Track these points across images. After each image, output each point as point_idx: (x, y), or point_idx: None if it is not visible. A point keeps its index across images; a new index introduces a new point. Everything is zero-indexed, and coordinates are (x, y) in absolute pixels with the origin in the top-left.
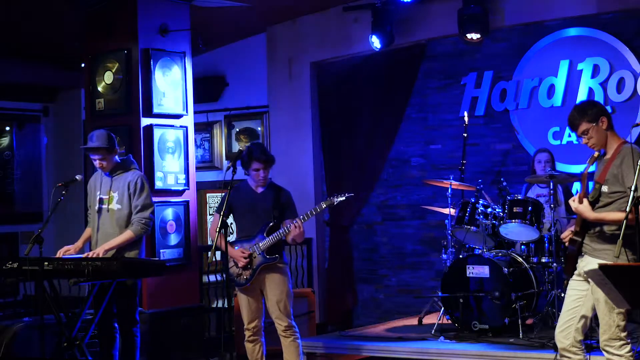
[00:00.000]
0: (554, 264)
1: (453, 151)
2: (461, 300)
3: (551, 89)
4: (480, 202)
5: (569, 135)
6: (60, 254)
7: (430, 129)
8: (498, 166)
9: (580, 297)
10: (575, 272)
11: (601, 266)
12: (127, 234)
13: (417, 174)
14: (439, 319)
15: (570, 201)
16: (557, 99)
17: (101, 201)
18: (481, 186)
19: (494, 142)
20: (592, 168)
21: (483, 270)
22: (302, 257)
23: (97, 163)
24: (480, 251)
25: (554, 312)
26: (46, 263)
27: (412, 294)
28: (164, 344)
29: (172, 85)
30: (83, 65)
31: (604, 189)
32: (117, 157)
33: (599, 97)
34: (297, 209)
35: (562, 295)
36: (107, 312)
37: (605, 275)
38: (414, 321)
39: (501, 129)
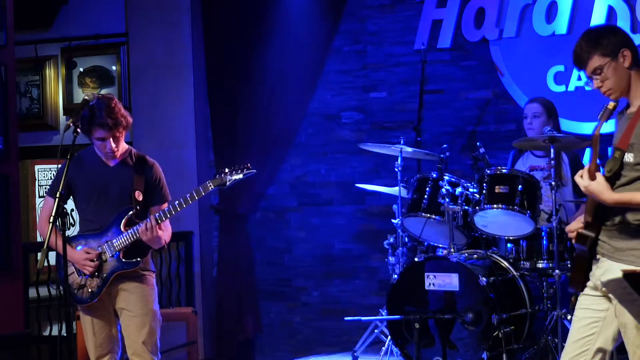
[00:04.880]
0: (557, 271)
1: (404, 102)
2: (417, 326)
3: (552, 9)
4: (446, 178)
5: (579, 78)
6: None
7: (371, 68)
8: (472, 124)
9: (596, 320)
10: (588, 283)
11: (626, 274)
12: None
13: (350, 136)
14: (384, 354)
15: (577, 177)
16: (561, 23)
17: None
18: (446, 154)
19: (467, 88)
20: (610, 128)
21: (450, 281)
22: (178, 260)
23: None
24: (445, 252)
25: (557, 343)
26: None
27: (342, 316)
28: None
29: None
30: None
31: (628, 158)
32: None
33: (623, 22)
34: (170, 189)
35: (569, 317)
36: None
37: (633, 287)
38: (346, 357)
39: (477, 68)
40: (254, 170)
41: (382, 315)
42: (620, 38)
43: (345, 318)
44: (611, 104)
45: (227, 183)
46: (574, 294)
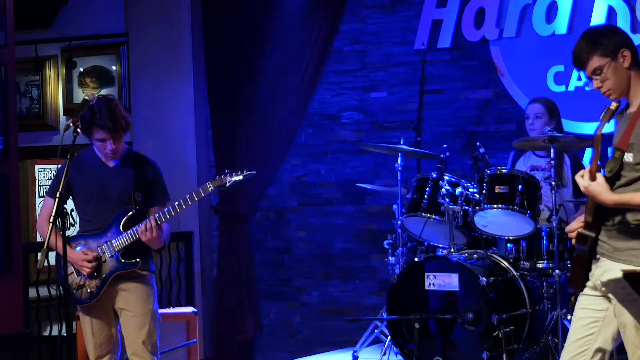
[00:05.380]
0: (557, 271)
1: (404, 102)
2: (417, 326)
3: (552, 9)
4: (446, 178)
5: (579, 78)
6: None
7: (371, 68)
8: (472, 124)
9: (596, 320)
10: (588, 283)
11: (626, 274)
12: None
13: (350, 136)
14: (384, 354)
15: (578, 177)
16: (561, 23)
17: None
18: (446, 154)
19: (467, 88)
20: (610, 128)
21: (450, 281)
22: (178, 260)
23: None
24: (445, 252)
25: (557, 343)
26: None
27: (342, 316)
28: None
29: None
30: None
31: (628, 158)
32: None
33: (623, 22)
34: (170, 189)
35: (569, 317)
36: None
37: (633, 287)
38: (346, 356)
39: (477, 68)
40: (254, 172)
41: (382, 316)
42: (619, 38)
43: (346, 319)
44: (613, 105)
45: (227, 184)
46: (574, 294)
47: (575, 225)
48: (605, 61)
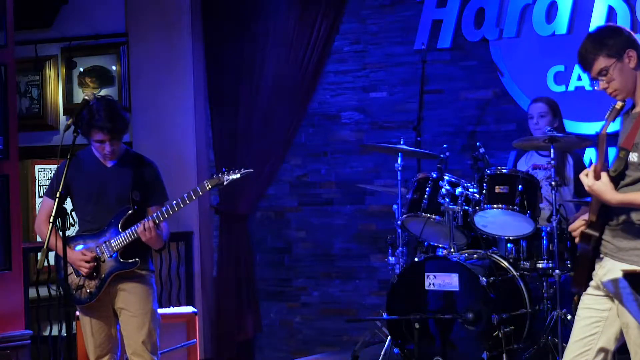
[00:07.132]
0: (557, 271)
1: (404, 102)
2: (417, 326)
3: (552, 9)
4: (446, 178)
5: (579, 78)
6: None
7: (371, 68)
8: (472, 124)
9: (598, 320)
10: (591, 283)
11: (626, 274)
12: None
13: (350, 136)
14: (384, 354)
15: (582, 176)
16: (561, 23)
17: None
18: (446, 154)
19: (467, 88)
20: (614, 127)
21: (450, 281)
22: (178, 260)
23: None
24: (445, 252)
25: (557, 343)
26: None
27: (342, 316)
28: None
29: None
30: None
31: (633, 157)
32: None
33: (623, 22)
34: (170, 189)
35: (569, 317)
36: None
37: (633, 287)
38: (346, 356)
39: (477, 68)
40: (251, 170)
41: (382, 316)
42: (625, 39)
43: (346, 319)
44: (619, 104)
45: (224, 183)
46: (577, 293)
47: (578, 224)
48: (611, 62)
